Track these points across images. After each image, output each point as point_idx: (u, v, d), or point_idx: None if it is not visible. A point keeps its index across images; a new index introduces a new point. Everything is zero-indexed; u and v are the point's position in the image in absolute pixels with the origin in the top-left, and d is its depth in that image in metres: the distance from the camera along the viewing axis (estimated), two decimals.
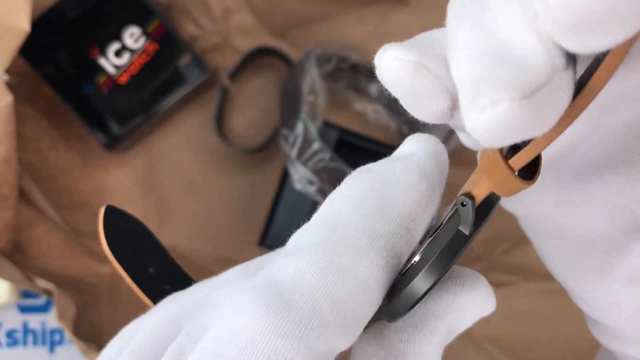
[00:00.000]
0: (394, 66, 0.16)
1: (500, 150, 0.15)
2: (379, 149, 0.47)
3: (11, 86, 0.43)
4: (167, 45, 0.48)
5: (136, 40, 0.48)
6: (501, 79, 0.13)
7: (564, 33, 0.12)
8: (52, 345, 0.48)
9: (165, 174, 0.50)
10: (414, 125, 0.49)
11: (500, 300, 0.18)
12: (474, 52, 0.14)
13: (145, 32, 0.48)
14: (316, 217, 0.17)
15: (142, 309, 0.55)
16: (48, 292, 0.44)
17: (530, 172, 0.15)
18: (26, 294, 0.49)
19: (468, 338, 0.47)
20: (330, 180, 0.44)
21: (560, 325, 0.45)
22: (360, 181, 0.17)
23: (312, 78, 0.47)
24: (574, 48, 0.12)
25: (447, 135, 0.48)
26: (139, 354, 0.17)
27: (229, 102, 0.51)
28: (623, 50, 0.13)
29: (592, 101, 0.14)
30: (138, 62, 0.48)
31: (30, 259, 0.47)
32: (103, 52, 0.48)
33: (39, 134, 0.49)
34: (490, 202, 0.16)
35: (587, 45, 0.12)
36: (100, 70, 0.48)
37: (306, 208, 0.46)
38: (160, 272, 0.20)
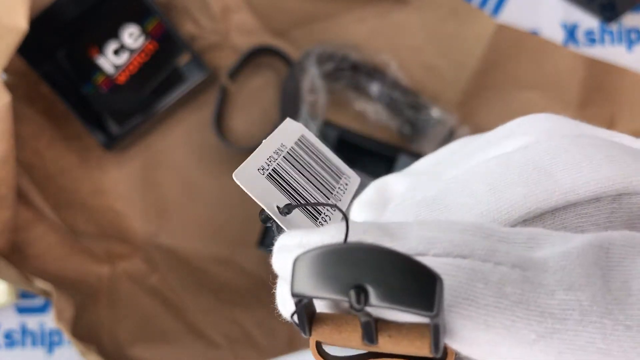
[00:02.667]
0: None
1: None
2: (379, 149, 0.47)
3: (9, 86, 0.43)
4: (167, 44, 0.48)
5: (135, 40, 0.48)
6: None
7: None
8: (51, 346, 0.48)
9: (164, 174, 0.50)
10: (414, 125, 0.49)
11: None
12: None
13: (144, 31, 0.48)
14: None
15: (140, 310, 0.55)
16: (46, 293, 0.44)
17: None
18: (24, 295, 0.48)
19: None
20: None
21: None
22: None
23: (312, 78, 0.47)
24: None
25: (447, 134, 0.48)
26: None
27: (228, 102, 0.51)
28: None
29: None
30: (137, 61, 0.48)
31: (29, 259, 0.47)
32: (102, 51, 0.48)
33: (37, 134, 0.49)
34: None
35: None
36: (99, 69, 0.48)
37: None
38: None
